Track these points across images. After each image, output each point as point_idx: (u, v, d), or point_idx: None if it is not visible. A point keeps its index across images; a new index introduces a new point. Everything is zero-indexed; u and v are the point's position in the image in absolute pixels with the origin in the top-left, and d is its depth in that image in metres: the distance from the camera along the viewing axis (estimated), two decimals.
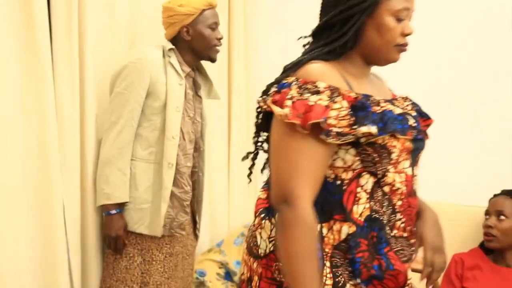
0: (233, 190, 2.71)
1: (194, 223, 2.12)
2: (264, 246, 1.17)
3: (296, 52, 1.29)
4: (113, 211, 1.86)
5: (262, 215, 1.20)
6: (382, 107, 1.11)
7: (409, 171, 1.14)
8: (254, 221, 1.23)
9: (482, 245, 2.06)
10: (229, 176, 2.70)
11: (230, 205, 2.69)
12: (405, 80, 2.16)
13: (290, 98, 1.07)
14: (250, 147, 2.04)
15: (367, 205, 1.10)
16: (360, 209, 1.09)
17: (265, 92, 1.19)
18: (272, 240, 1.16)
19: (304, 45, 1.24)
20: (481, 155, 2.44)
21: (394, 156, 1.10)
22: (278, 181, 1.10)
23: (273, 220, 1.16)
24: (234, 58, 2.65)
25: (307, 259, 1.05)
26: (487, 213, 2.04)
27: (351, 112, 1.06)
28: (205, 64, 2.10)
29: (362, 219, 1.09)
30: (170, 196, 1.88)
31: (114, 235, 1.86)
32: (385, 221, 1.11)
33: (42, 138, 1.73)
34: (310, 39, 1.23)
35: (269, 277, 1.16)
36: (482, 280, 1.94)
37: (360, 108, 1.07)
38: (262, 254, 1.18)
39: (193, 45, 1.92)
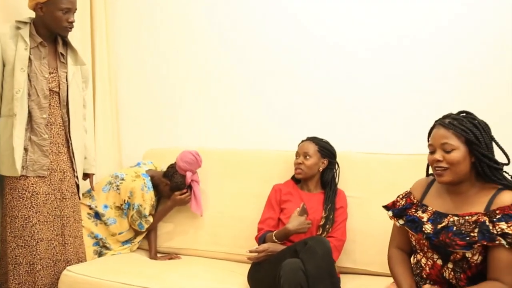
0: (99, 144, 3.04)
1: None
2: None
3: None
4: None
5: None
6: None
7: None
8: None
9: (293, 177, 2.56)
10: (95, 131, 3.01)
11: (98, 156, 3.00)
12: None
13: None
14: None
15: None
16: None
17: None
18: None
19: None
20: None
21: None
22: None
23: None
24: (96, 31, 3.02)
25: None
26: (297, 154, 2.51)
27: None
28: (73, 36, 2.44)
29: None
30: (31, 142, 2.23)
31: None
32: None
33: None
34: None
35: None
36: (292, 201, 2.44)
37: None
38: None
39: (45, 21, 2.25)
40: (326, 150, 2.49)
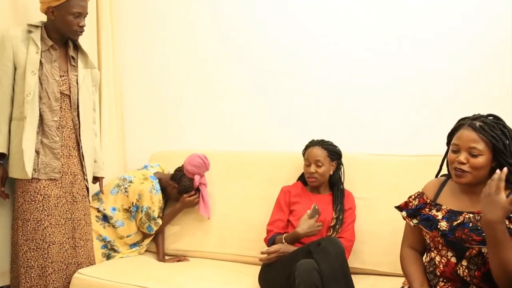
0: (105, 147, 3.01)
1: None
2: None
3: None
4: None
5: None
6: None
7: None
8: None
9: (300, 179, 2.57)
10: (101, 134, 2.98)
11: (104, 158, 2.93)
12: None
13: None
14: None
15: None
16: None
17: None
18: None
19: None
20: None
21: None
22: None
23: None
24: (102, 36, 3.01)
25: None
26: (307, 161, 2.45)
27: None
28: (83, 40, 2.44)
29: None
30: (42, 145, 2.23)
31: None
32: None
33: None
34: None
35: None
36: (302, 203, 2.45)
37: None
38: None
39: (56, 25, 2.25)
40: (335, 153, 2.50)
